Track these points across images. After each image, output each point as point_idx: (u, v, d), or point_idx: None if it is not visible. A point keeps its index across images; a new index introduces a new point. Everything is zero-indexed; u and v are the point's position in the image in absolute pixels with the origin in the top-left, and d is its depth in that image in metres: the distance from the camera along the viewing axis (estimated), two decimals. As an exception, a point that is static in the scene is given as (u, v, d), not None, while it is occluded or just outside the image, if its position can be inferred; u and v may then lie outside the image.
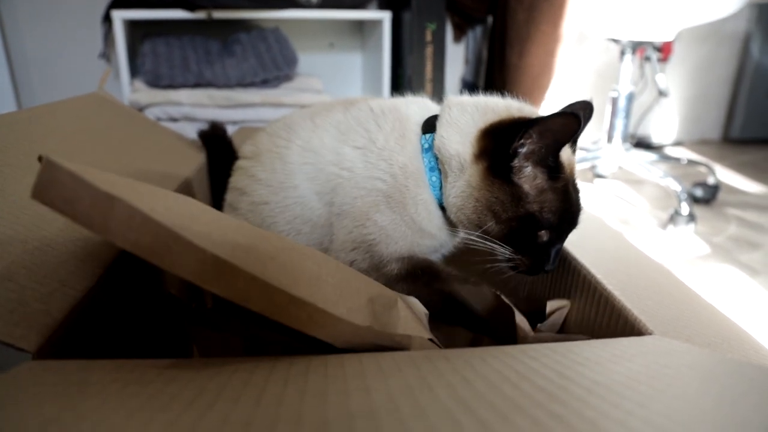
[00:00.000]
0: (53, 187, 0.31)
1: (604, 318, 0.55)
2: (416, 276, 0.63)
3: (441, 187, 0.64)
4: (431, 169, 0.64)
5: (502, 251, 0.60)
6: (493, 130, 0.60)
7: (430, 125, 0.65)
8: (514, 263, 0.61)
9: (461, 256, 0.73)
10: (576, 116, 0.53)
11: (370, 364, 0.35)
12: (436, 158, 0.64)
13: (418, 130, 0.66)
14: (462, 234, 0.63)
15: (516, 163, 0.58)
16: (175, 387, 0.29)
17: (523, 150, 0.58)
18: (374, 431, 0.24)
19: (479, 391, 0.29)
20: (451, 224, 0.66)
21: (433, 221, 0.65)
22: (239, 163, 0.77)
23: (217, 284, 0.33)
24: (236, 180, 0.76)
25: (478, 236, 0.60)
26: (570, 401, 0.27)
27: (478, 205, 0.60)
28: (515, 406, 0.27)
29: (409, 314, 0.47)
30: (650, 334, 0.47)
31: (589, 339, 0.53)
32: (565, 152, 0.62)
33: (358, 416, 0.25)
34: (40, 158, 0.33)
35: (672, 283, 0.65)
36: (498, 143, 0.59)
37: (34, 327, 0.39)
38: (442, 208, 0.65)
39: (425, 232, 0.65)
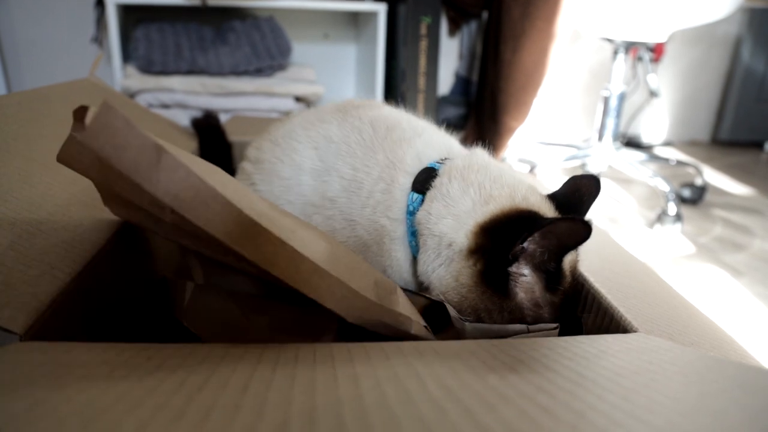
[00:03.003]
0: (106, 130, 0.31)
1: (590, 315, 0.56)
2: None
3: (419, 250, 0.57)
4: (412, 234, 0.57)
5: None
6: (493, 227, 0.52)
7: (421, 183, 0.57)
8: None
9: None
10: (586, 224, 0.46)
11: (358, 352, 0.35)
12: None
13: (407, 184, 0.58)
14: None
15: (514, 268, 0.51)
16: (164, 371, 0.29)
17: (524, 253, 0.51)
18: (361, 416, 0.24)
19: (466, 381, 0.29)
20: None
21: (406, 278, 0.60)
22: (244, 165, 0.72)
23: (247, 245, 0.34)
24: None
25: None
26: (557, 393, 0.28)
27: (463, 302, 0.54)
28: (502, 397, 0.27)
29: (406, 301, 0.49)
30: (635, 331, 0.48)
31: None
32: (569, 255, 0.55)
33: (345, 402, 0.25)
34: (79, 108, 0.34)
35: (655, 282, 0.66)
36: (496, 244, 0.52)
37: (22, 309, 0.39)
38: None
39: (404, 280, 0.61)
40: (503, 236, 0.51)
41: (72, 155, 0.36)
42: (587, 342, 0.41)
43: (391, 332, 0.45)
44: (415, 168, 0.59)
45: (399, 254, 0.59)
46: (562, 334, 0.52)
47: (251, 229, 0.34)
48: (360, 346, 0.37)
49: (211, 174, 0.39)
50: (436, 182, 0.56)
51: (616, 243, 0.78)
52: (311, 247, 0.39)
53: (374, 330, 0.44)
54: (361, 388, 0.27)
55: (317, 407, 0.24)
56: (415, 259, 0.58)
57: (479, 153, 0.62)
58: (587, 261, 0.62)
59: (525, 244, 0.50)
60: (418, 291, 0.58)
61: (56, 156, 0.38)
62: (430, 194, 0.56)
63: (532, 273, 0.52)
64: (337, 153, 0.61)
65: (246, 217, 0.34)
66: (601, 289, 0.56)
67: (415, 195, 0.57)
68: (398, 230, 0.58)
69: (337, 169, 0.60)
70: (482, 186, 0.55)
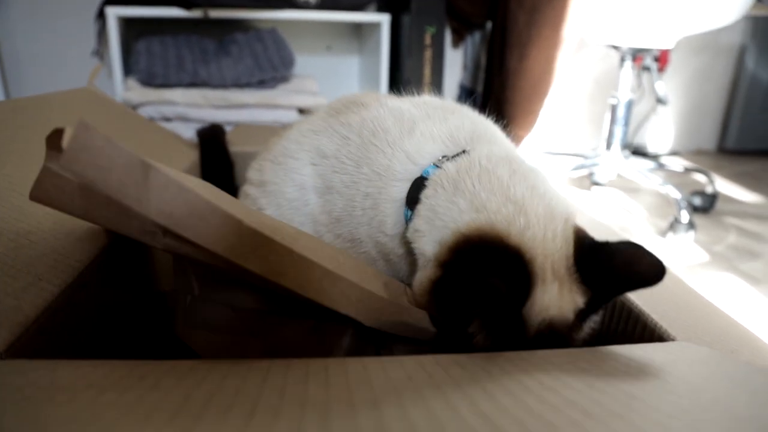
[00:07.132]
0: (86, 152, 0.28)
1: (620, 323, 0.52)
2: None
3: None
4: None
5: None
6: (458, 252, 0.44)
7: (411, 197, 0.50)
8: None
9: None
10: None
11: (376, 370, 0.31)
12: None
13: (399, 195, 0.52)
14: None
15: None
16: (157, 395, 0.25)
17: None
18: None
19: (502, 405, 0.26)
20: None
21: None
22: (246, 189, 0.68)
23: (252, 259, 0.32)
24: None
25: None
26: (609, 420, 0.24)
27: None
28: (546, 424, 0.23)
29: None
30: (673, 340, 0.44)
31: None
32: (546, 298, 0.44)
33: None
34: (54, 134, 0.31)
35: (682, 288, 0.62)
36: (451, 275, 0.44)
37: (4, 324, 0.35)
38: None
39: None
40: (454, 294, 0.43)
41: (47, 189, 0.31)
42: (625, 353, 0.37)
43: (412, 332, 0.42)
44: (408, 173, 0.52)
45: (412, 266, 0.54)
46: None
47: (254, 239, 0.31)
48: (376, 361, 0.33)
49: (203, 188, 0.36)
50: (423, 195, 0.49)
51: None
52: (317, 253, 0.36)
53: (393, 332, 0.41)
54: (383, 416, 0.24)
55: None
56: None
57: (480, 151, 0.51)
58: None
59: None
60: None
61: (29, 194, 0.33)
62: (417, 210, 0.49)
63: (482, 328, 0.43)
64: (333, 169, 0.57)
65: (248, 228, 0.31)
66: (629, 294, 0.52)
67: (408, 210, 0.50)
68: (401, 245, 0.53)
69: (335, 187, 0.56)
70: (475, 197, 0.46)
